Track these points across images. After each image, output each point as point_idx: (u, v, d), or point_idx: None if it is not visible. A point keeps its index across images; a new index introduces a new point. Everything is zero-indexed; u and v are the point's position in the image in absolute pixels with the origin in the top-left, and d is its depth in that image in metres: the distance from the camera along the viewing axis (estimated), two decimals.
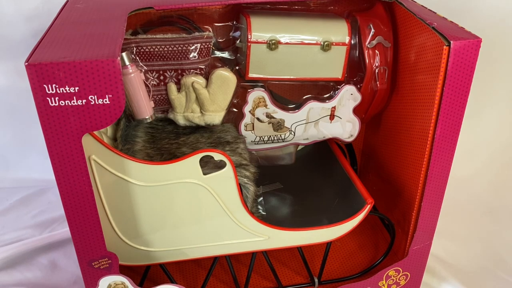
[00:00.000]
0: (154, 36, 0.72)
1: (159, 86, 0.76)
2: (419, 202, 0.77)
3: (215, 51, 0.79)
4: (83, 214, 0.62)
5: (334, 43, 0.77)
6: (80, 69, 0.52)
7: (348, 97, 0.81)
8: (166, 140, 0.78)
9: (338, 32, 0.77)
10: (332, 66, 0.79)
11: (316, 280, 0.83)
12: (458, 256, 0.98)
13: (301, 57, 0.77)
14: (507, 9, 1.11)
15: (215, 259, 0.79)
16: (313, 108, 0.81)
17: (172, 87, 0.75)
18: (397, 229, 0.86)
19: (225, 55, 0.80)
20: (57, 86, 0.52)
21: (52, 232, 1.01)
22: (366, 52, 0.78)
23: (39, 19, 1.04)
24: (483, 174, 1.21)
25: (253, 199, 0.74)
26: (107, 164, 0.63)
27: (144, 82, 0.73)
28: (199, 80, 0.74)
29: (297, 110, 0.81)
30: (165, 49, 0.73)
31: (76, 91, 0.53)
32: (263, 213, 0.79)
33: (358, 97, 0.81)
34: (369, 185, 0.95)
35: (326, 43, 0.76)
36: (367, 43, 0.78)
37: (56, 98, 0.53)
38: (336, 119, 0.83)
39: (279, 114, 0.81)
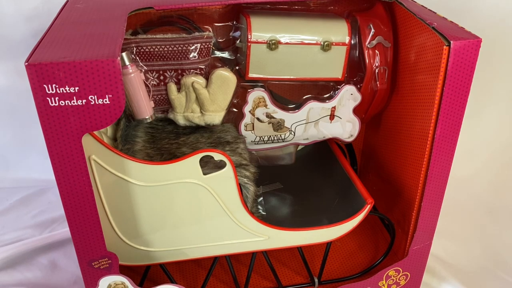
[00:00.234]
0: (154, 36, 0.72)
1: (159, 86, 0.76)
2: (419, 202, 0.77)
3: (215, 51, 0.79)
4: (83, 214, 0.62)
5: (334, 43, 0.77)
6: (80, 69, 0.52)
7: (348, 97, 0.81)
8: (166, 140, 0.78)
9: (338, 32, 0.77)
10: (332, 66, 0.79)
11: (316, 280, 0.83)
12: (458, 256, 0.98)
13: (301, 57, 0.77)
14: (507, 9, 1.11)
15: (215, 259, 0.79)
16: (313, 108, 0.81)
17: (172, 87, 0.75)
18: (397, 229, 0.86)
19: (225, 55, 0.80)
20: (57, 86, 0.52)
21: (52, 232, 1.01)
22: (366, 52, 0.78)
23: (39, 19, 1.04)
24: (483, 174, 1.21)
25: (253, 199, 0.74)
26: (107, 164, 0.63)
27: (144, 82, 0.73)
28: (199, 80, 0.74)
29: (297, 110, 0.81)
30: (165, 49, 0.73)
31: (76, 91, 0.53)
32: (263, 213, 0.79)
33: (358, 97, 0.81)
34: (369, 185, 0.95)
35: (326, 43, 0.76)
36: (367, 43, 0.78)
37: (56, 98, 0.53)
38: (336, 119, 0.83)
39: (279, 114, 0.81)
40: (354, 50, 0.80)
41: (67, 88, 0.52)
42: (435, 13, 0.73)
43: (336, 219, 0.76)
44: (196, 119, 0.78)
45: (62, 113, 0.54)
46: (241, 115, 0.81)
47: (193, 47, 0.74)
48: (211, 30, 0.77)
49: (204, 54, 0.75)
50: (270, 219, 0.76)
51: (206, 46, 0.74)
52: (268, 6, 0.79)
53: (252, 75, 0.78)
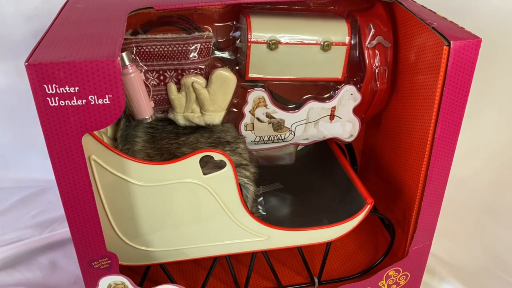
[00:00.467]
0: (154, 36, 0.72)
1: (159, 86, 0.76)
2: (419, 202, 0.77)
3: (215, 51, 0.79)
4: (83, 214, 0.62)
5: (334, 43, 0.77)
6: (80, 69, 0.52)
7: (348, 97, 0.81)
8: (166, 140, 0.78)
9: (338, 32, 0.77)
10: (332, 66, 0.79)
11: (316, 280, 0.83)
12: (458, 256, 0.98)
13: (301, 57, 0.77)
14: (507, 9, 1.11)
15: (215, 259, 0.79)
16: (313, 108, 0.81)
17: (172, 87, 0.75)
18: (397, 229, 0.86)
19: (225, 55, 0.80)
20: (57, 86, 0.52)
21: (52, 232, 1.01)
22: (366, 52, 0.78)
23: (39, 19, 1.04)
24: (483, 174, 1.21)
25: (253, 199, 0.74)
26: (107, 164, 0.63)
27: (144, 82, 0.73)
28: (199, 80, 0.74)
29: (297, 110, 0.81)
30: (165, 49, 0.73)
31: (76, 91, 0.53)
32: (263, 213, 0.79)
33: (358, 97, 0.81)
34: (369, 185, 0.95)
35: (326, 43, 0.76)
36: (367, 43, 0.78)
37: (56, 98, 0.53)
38: (336, 119, 0.83)
39: (279, 114, 0.81)
40: (354, 50, 0.80)
41: (67, 88, 0.52)
42: (435, 13, 0.72)
43: (336, 219, 0.76)
44: (196, 119, 0.78)
45: (62, 113, 0.54)
46: (241, 115, 0.81)
47: (193, 47, 0.74)
48: (211, 30, 0.77)
49: (204, 54, 0.75)
50: (270, 219, 0.76)
51: (206, 46, 0.74)
52: (268, 6, 0.79)
53: (252, 75, 0.78)
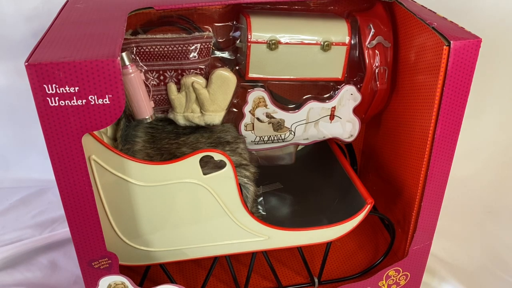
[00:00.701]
0: (154, 36, 0.72)
1: (159, 86, 0.76)
2: (419, 202, 0.77)
3: (215, 51, 0.79)
4: (83, 214, 0.62)
5: (334, 43, 0.77)
6: (80, 69, 0.52)
7: (348, 97, 0.81)
8: (166, 140, 0.78)
9: (338, 32, 0.77)
10: (332, 66, 0.79)
11: (316, 280, 0.83)
12: (458, 256, 0.98)
13: (301, 57, 0.77)
14: (507, 9, 1.11)
15: (215, 259, 0.79)
16: (313, 108, 0.81)
17: (172, 87, 0.75)
18: (397, 229, 0.86)
19: (225, 55, 0.80)
20: (57, 86, 0.52)
21: (52, 232, 1.01)
22: (366, 52, 0.78)
23: (39, 19, 1.04)
24: (483, 174, 1.21)
25: (253, 199, 0.74)
26: (107, 164, 0.63)
27: (144, 82, 0.73)
28: (199, 80, 0.74)
29: (297, 110, 0.81)
30: (165, 49, 0.73)
31: (76, 91, 0.53)
32: (263, 213, 0.79)
33: (358, 97, 0.81)
34: (369, 185, 0.95)
35: (326, 43, 0.76)
36: (367, 43, 0.78)
37: (56, 98, 0.53)
38: (336, 119, 0.83)
39: (279, 114, 0.81)
40: (354, 50, 0.80)
41: (67, 88, 0.52)
42: (435, 13, 0.72)
43: (336, 219, 0.76)
44: (196, 119, 0.78)
45: (62, 113, 0.54)
46: (241, 115, 0.81)
47: (193, 47, 0.74)
48: (211, 30, 0.77)
49: (204, 54, 0.75)
50: (270, 219, 0.76)
51: (206, 46, 0.74)
52: (268, 6, 0.79)
53: (252, 75, 0.78)
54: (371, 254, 0.93)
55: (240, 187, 0.70)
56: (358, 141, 0.99)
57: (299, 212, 0.86)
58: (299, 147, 0.97)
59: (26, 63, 0.51)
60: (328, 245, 0.80)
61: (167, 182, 0.66)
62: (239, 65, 0.80)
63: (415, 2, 0.78)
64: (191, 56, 0.74)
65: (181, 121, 0.78)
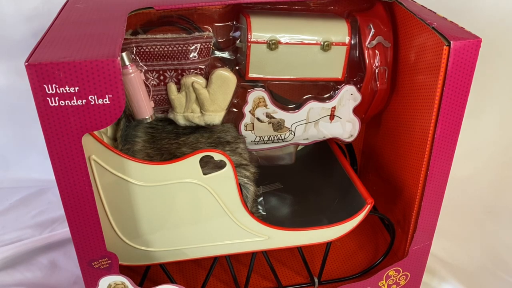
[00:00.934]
0: (154, 36, 0.72)
1: (159, 86, 0.76)
2: (419, 202, 0.77)
3: (215, 51, 0.78)
4: (83, 214, 0.62)
5: (334, 43, 0.77)
6: (80, 69, 0.52)
7: (348, 97, 0.81)
8: (166, 140, 0.78)
9: (338, 32, 0.77)
10: (332, 66, 0.79)
11: (316, 280, 0.83)
12: (458, 256, 0.98)
13: (301, 57, 0.77)
14: (507, 9, 1.11)
15: (215, 259, 0.79)
16: (313, 108, 0.81)
17: (172, 87, 0.75)
18: (397, 229, 0.86)
19: (225, 55, 0.80)
20: (57, 86, 0.52)
21: (52, 232, 1.01)
22: (366, 52, 0.78)
23: (39, 19, 1.04)
24: (483, 174, 1.21)
25: (253, 199, 0.74)
26: (107, 164, 0.63)
27: (144, 82, 0.73)
28: (199, 80, 0.74)
29: (297, 110, 0.81)
30: (165, 49, 0.73)
31: (76, 91, 0.53)
32: (263, 213, 0.79)
33: (358, 97, 0.81)
34: (369, 185, 0.95)
35: (326, 43, 0.76)
36: (367, 43, 0.78)
37: (56, 98, 0.53)
38: (336, 119, 0.83)
39: (279, 114, 0.81)
40: (354, 50, 0.80)
41: (67, 88, 0.52)
42: (435, 13, 0.72)
43: (336, 219, 0.76)
44: (196, 119, 0.78)
45: (62, 113, 0.54)
46: (241, 115, 0.81)
47: (193, 47, 0.74)
48: (211, 30, 0.77)
49: (204, 54, 0.75)
50: (270, 219, 0.76)
51: (206, 46, 0.74)
52: (268, 6, 0.79)
53: (252, 75, 0.78)
54: (371, 254, 0.93)
55: (240, 187, 0.70)
56: (358, 141, 0.99)
57: (299, 212, 0.86)
58: (299, 147, 0.97)
59: (26, 63, 0.51)
60: (328, 245, 0.80)
61: (167, 182, 0.66)
62: (239, 65, 0.80)
63: (415, 2, 0.78)
64: (191, 56, 0.74)
65: (181, 121, 0.78)
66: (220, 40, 0.80)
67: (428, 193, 0.74)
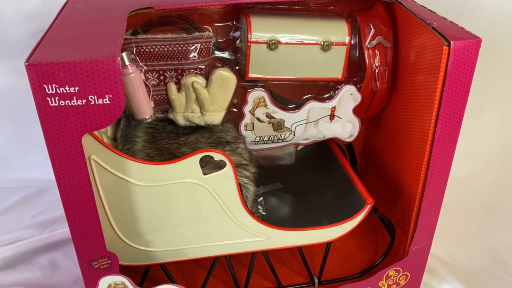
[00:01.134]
0: (154, 36, 0.72)
1: (159, 86, 0.76)
2: (419, 202, 0.77)
3: (215, 51, 0.79)
4: (83, 214, 0.62)
5: (334, 43, 0.77)
6: (80, 69, 0.52)
7: (348, 97, 0.81)
8: (166, 140, 0.78)
9: (338, 32, 0.77)
10: (332, 66, 0.79)
11: (316, 280, 0.83)
12: (458, 256, 0.98)
13: (301, 57, 0.77)
14: (507, 9, 1.11)
15: (215, 259, 0.79)
16: (313, 108, 0.81)
17: (172, 87, 0.75)
18: (397, 229, 0.86)
19: (225, 55, 0.80)
20: (57, 86, 0.52)
21: (52, 232, 1.01)
22: (366, 52, 0.78)
23: (39, 19, 1.04)
24: (483, 174, 1.21)
25: (253, 199, 0.74)
26: (107, 164, 0.63)
27: (144, 82, 0.73)
28: (199, 80, 0.74)
29: (297, 110, 0.81)
30: (165, 49, 0.73)
31: (76, 91, 0.53)
32: (263, 213, 0.79)
33: (358, 97, 0.81)
34: (369, 185, 0.95)
35: (326, 43, 0.76)
36: (367, 43, 0.78)
37: (56, 98, 0.53)
38: (336, 119, 0.83)
39: (279, 114, 0.81)
40: (354, 50, 0.80)
41: (67, 88, 0.52)
42: (435, 13, 0.72)
43: (336, 219, 0.76)
44: (196, 119, 0.78)
45: (62, 113, 0.54)
46: (241, 115, 0.81)
47: (193, 47, 0.74)
48: (211, 30, 0.77)
49: (204, 54, 0.75)
50: (270, 219, 0.76)
51: (206, 46, 0.74)
52: (268, 6, 0.79)
53: (252, 75, 0.78)
54: (371, 254, 0.93)
55: (240, 187, 0.70)
56: (358, 141, 0.99)
57: (299, 212, 0.86)
58: (299, 147, 0.97)
59: (26, 63, 0.51)
60: (328, 245, 0.80)
61: (167, 182, 0.66)
62: (239, 65, 0.80)
63: (415, 2, 0.78)
64: (191, 56, 0.74)
65: (181, 121, 0.78)
66: (220, 40, 0.80)
67: (428, 193, 0.74)
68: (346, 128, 0.85)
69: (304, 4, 0.81)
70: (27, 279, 0.91)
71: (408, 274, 0.82)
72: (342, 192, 0.84)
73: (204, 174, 0.67)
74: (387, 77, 0.80)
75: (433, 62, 0.67)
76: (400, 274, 0.82)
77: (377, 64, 0.79)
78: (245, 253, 0.76)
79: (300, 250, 0.81)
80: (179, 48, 0.74)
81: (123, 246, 0.70)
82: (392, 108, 0.85)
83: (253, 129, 0.82)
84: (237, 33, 0.79)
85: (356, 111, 0.83)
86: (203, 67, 0.75)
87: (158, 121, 0.81)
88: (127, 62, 0.69)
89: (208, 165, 0.68)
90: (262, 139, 0.83)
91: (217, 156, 0.66)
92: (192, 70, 0.75)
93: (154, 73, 0.75)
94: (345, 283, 0.80)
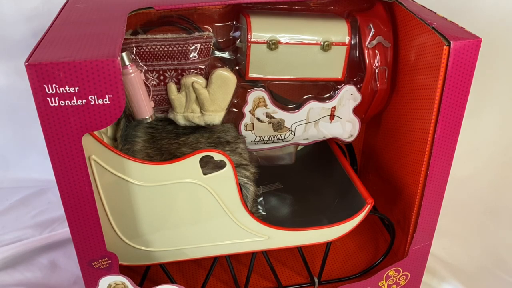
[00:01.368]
0: (154, 36, 0.72)
1: (159, 86, 0.76)
2: (419, 202, 0.77)
3: (215, 51, 0.79)
4: (83, 214, 0.62)
5: (334, 43, 0.77)
6: (80, 69, 0.52)
7: (348, 97, 0.81)
8: (166, 140, 0.78)
9: (338, 32, 0.77)
10: (332, 66, 0.79)
11: (316, 280, 0.83)
12: (458, 256, 0.98)
13: (301, 57, 0.77)
14: (507, 9, 1.11)
15: (215, 259, 0.79)
16: (313, 108, 0.81)
17: (172, 87, 0.75)
18: (397, 229, 0.86)
19: (225, 55, 0.80)
20: (57, 86, 0.52)
21: (52, 232, 1.01)
22: (366, 52, 0.78)
23: (39, 19, 1.05)
24: (483, 174, 1.21)
25: (253, 199, 0.74)
26: (107, 164, 0.63)
27: (144, 82, 0.73)
28: (199, 80, 0.74)
29: (297, 110, 0.81)
30: (165, 49, 0.73)
31: (76, 91, 0.53)
32: (263, 213, 0.79)
33: (358, 97, 0.81)
34: (369, 185, 0.95)
35: (326, 43, 0.76)
36: (367, 43, 0.78)
37: (56, 98, 0.53)
38: (336, 119, 0.83)
39: (279, 114, 0.81)
40: (354, 50, 0.80)
41: (67, 88, 0.52)
42: (435, 13, 0.73)
43: (336, 219, 0.76)
44: (196, 119, 0.78)
45: (62, 113, 0.54)
46: (241, 115, 0.81)
47: (193, 47, 0.74)
48: (211, 30, 0.77)
49: (204, 54, 0.75)
50: (270, 219, 0.76)
51: (206, 46, 0.74)
52: (268, 6, 0.79)
53: (252, 75, 0.78)
54: (371, 254, 0.93)
55: (240, 187, 0.70)
56: (358, 141, 0.99)
57: (299, 212, 0.86)
58: (299, 147, 0.97)
59: (26, 63, 0.51)
60: (328, 245, 0.80)
61: (167, 182, 0.66)
62: (239, 65, 0.80)
63: (415, 2, 0.78)
64: (191, 56, 0.74)
65: (181, 121, 0.78)
66: (220, 40, 0.80)
67: (428, 193, 0.74)
68: (346, 128, 0.85)
69: (304, 4, 0.81)
70: (27, 279, 0.91)
71: (408, 274, 0.82)
72: (342, 192, 0.84)
73: (204, 174, 0.67)
74: (387, 77, 0.80)
75: (433, 62, 0.67)
76: (400, 274, 0.82)
77: (377, 64, 0.79)
78: (245, 253, 0.76)
79: (300, 250, 0.81)
80: (179, 48, 0.74)
81: (123, 246, 0.70)
82: (392, 108, 0.85)
83: (253, 129, 0.82)
84: (237, 33, 0.79)
85: (356, 111, 0.83)
86: (203, 67, 0.75)
87: (158, 121, 0.81)
88: (127, 62, 0.69)
89: (208, 165, 0.68)
90: (262, 139, 0.83)
91: (217, 156, 0.66)
92: (192, 70, 0.75)
93: (154, 73, 0.75)
94: (345, 283, 0.80)
